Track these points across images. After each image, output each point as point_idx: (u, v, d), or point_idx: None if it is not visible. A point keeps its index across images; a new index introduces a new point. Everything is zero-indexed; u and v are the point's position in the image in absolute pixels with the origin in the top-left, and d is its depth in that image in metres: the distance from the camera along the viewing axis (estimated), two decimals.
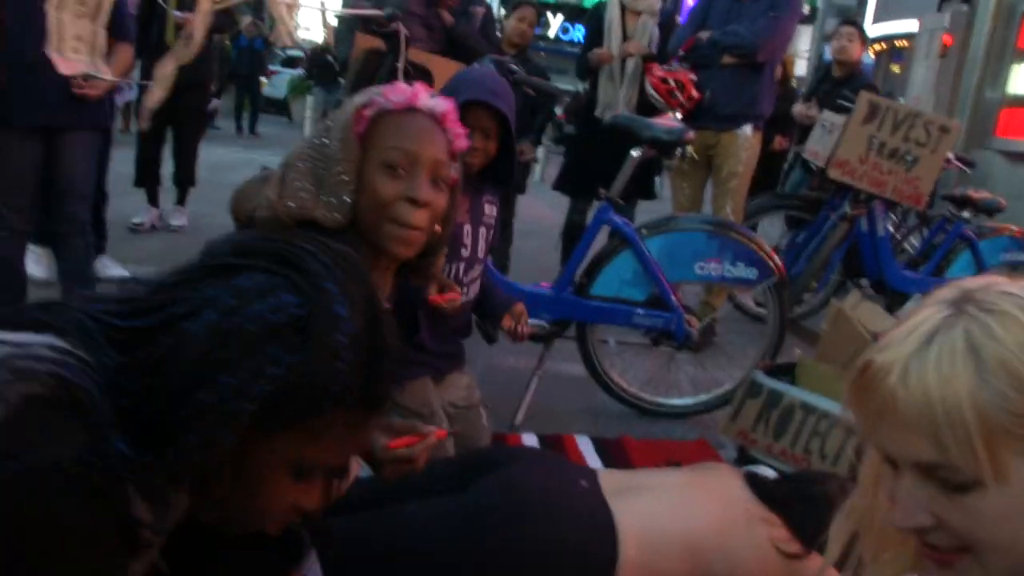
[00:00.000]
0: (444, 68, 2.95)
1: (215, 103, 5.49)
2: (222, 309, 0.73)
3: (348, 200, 1.37)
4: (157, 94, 2.20)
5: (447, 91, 2.04)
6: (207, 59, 4.88)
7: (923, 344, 0.71)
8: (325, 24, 2.57)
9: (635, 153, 2.72)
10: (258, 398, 0.71)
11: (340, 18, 3.73)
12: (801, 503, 1.86)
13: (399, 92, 1.41)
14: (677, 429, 2.93)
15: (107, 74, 2.83)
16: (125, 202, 4.87)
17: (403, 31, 2.67)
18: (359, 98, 1.41)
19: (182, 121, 4.90)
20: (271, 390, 0.71)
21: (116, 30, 2.93)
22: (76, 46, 2.54)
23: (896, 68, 14.08)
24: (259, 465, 0.76)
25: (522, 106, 4.50)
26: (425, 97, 1.42)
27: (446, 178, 1.44)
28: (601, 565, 1.76)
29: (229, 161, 9.18)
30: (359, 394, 0.76)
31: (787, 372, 2.75)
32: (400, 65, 2.71)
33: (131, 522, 0.69)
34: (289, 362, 0.72)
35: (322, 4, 2.56)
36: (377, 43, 2.86)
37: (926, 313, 0.75)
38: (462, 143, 1.47)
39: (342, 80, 4.46)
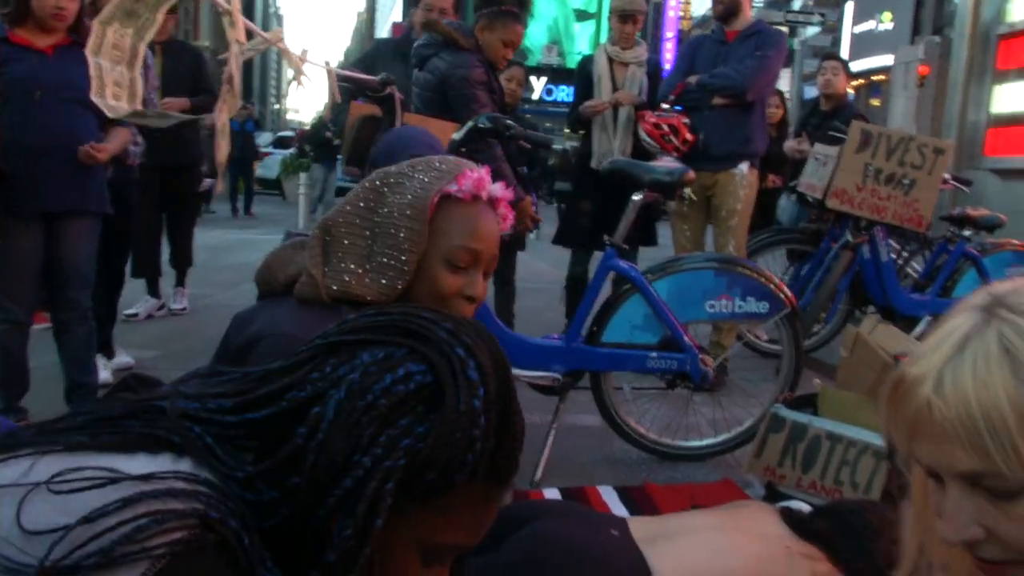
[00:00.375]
0: (441, 130, 2.98)
1: (207, 183, 5.46)
2: (349, 387, 0.68)
3: (400, 287, 1.33)
4: (223, 147, 2.22)
5: (380, 154, 2.08)
6: (195, 140, 4.90)
7: (956, 352, 0.70)
8: (331, 91, 2.59)
9: (637, 197, 2.72)
10: (398, 474, 0.66)
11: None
12: (841, 535, 1.81)
13: (468, 179, 1.35)
14: (700, 472, 2.87)
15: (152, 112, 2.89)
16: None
17: (398, 95, 2.70)
18: (428, 178, 1.34)
19: (176, 204, 4.91)
20: (406, 463, 0.66)
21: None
22: (117, 92, 2.58)
23: (875, 102, 14.32)
24: (393, 551, 0.70)
25: (517, 155, 4.58)
26: (489, 184, 1.38)
27: (493, 268, 1.43)
28: None
29: (226, 242, 9.25)
30: (490, 465, 0.71)
31: (809, 403, 2.70)
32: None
33: None
34: (422, 432, 0.67)
35: (327, 63, 2.59)
36: (372, 109, 2.89)
37: (957, 321, 0.73)
38: (506, 226, 1.45)
39: (340, 157, 4.53)
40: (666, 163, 2.80)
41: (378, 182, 1.37)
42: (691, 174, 2.69)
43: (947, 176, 4.18)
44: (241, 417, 0.71)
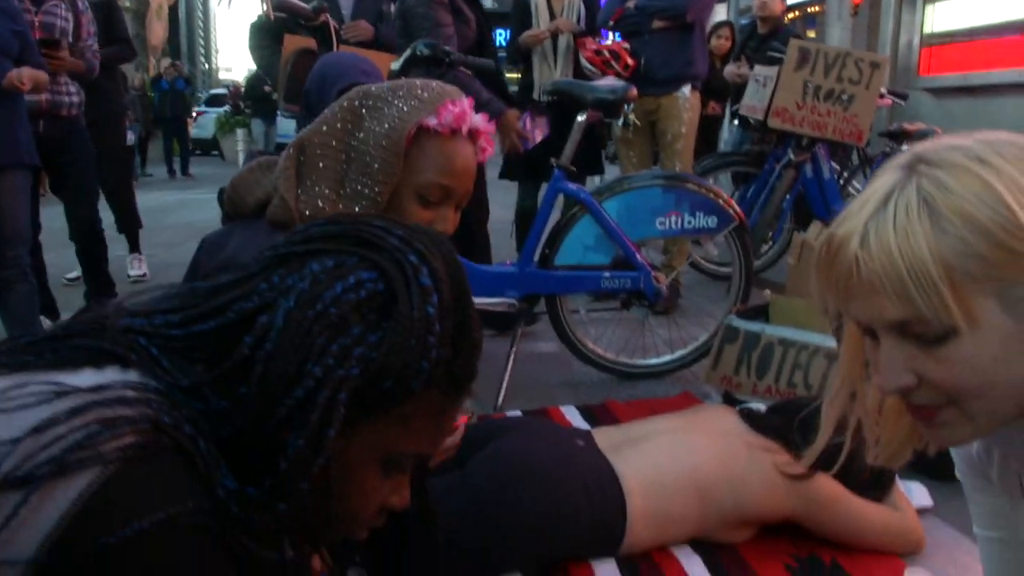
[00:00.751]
0: (378, 61, 2.91)
1: (130, 135, 5.16)
2: (299, 296, 0.67)
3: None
4: (158, 30, 2.19)
5: (312, 85, 2.03)
6: (116, 92, 4.66)
7: (879, 208, 0.72)
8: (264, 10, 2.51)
9: (581, 118, 2.71)
10: (351, 383, 0.65)
11: (256, 27, 3.66)
12: (798, 427, 1.86)
13: (448, 112, 1.30)
14: (659, 388, 2.92)
15: None
16: (60, 257, 4.66)
17: (332, 23, 2.62)
18: (407, 107, 1.29)
19: (106, 161, 4.52)
20: (360, 372, 0.66)
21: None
22: None
23: (811, 33, 14.40)
24: (352, 461, 0.69)
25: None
26: (471, 117, 1.33)
27: (466, 202, 1.40)
28: (611, 518, 1.75)
29: (165, 204, 9.02)
30: (446, 373, 0.70)
31: (761, 314, 2.76)
32: None
33: (251, 568, 0.64)
34: (376, 341, 0.66)
35: None
36: (307, 42, 2.81)
37: (881, 180, 0.75)
38: (485, 156, 1.41)
39: (280, 112, 4.35)
40: (608, 82, 2.79)
41: (357, 102, 1.32)
42: (634, 91, 2.68)
43: (884, 91, 4.24)
44: (187, 330, 0.70)
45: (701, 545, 1.84)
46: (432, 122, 1.29)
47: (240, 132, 11.52)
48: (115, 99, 4.63)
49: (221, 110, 17.04)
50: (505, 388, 2.65)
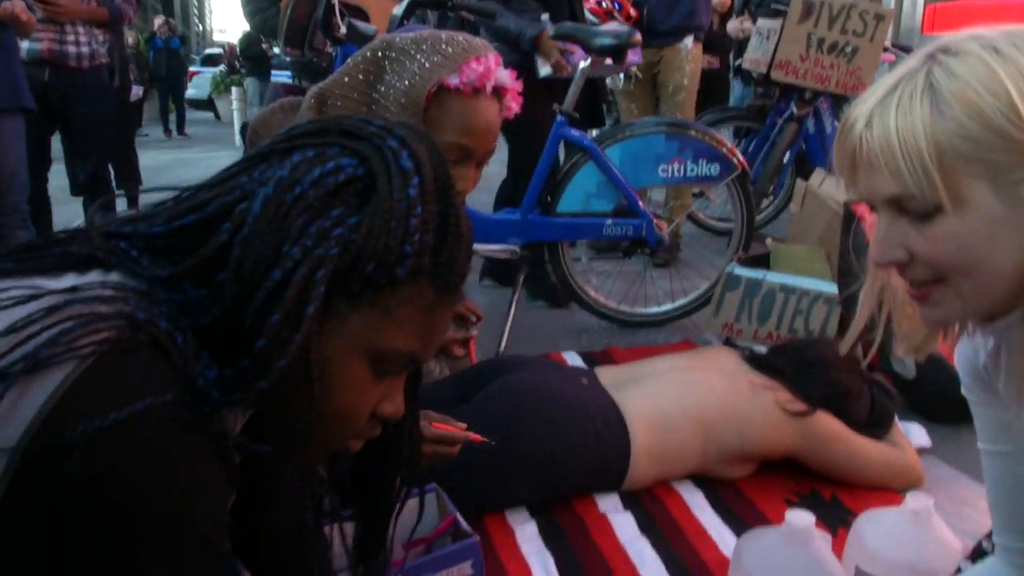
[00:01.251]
0: (379, 6, 2.88)
1: (136, 91, 5.05)
2: (278, 182, 0.66)
3: None
4: None
5: None
6: (119, 46, 4.56)
7: (889, 92, 0.76)
8: None
9: (585, 63, 2.68)
10: (330, 263, 0.65)
11: None
12: (797, 367, 1.88)
13: (471, 70, 1.26)
14: (660, 336, 2.93)
15: None
16: (66, 212, 4.60)
17: None
18: (429, 64, 1.24)
19: None
20: (340, 252, 0.65)
21: None
22: None
23: None
24: (338, 352, 0.68)
25: None
26: (496, 75, 1.29)
27: (488, 159, 1.37)
28: (616, 453, 1.76)
29: (162, 163, 8.95)
30: (432, 262, 0.69)
31: (762, 262, 2.76)
32: (335, 3, 2.63)
33: (229, 458, 0.64)
34: (355, 223, 0.66)
35: None
36: None
37: (901, 67, 0.78)
38: (511, 113, 1.36)
39: (274, 72, 4.28)
40: (612, 27, 2.75)
41: (380, 53, 1.28)
42: (638, 36, 2.65)
43: (888, 44, 4.20)
44: (169, 226, 0.69)
45: (703, 481, 1.86)
46: (454, 81, 1.25)
47: (235, 91, 11.40)
48: (117, 52, 4.55)
49: (216, 70, 16.87)
50: (507, 336, 2.66)
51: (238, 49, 12.58)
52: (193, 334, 0.65)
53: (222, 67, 16.73)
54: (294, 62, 3.09)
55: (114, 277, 0.66)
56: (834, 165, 0.82)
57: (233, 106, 11.10)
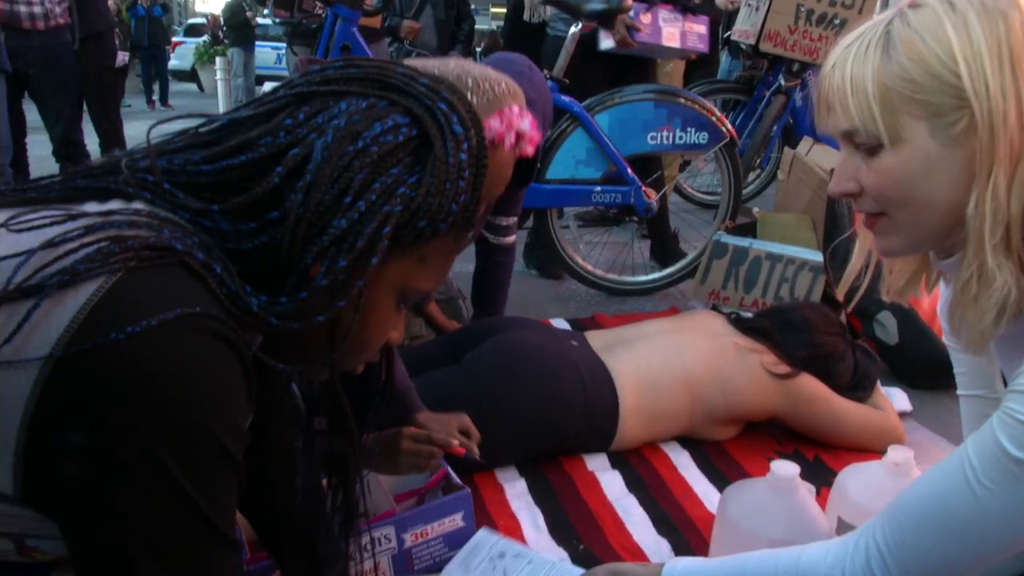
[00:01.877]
0: None
1: (122, 56, 4.88)
2: (336, 131, 0.69)
3: None
4: None
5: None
6: (104, 5, 4.37)
7: (856, 38, 0.84)
8: None
9: (575, 29, 2.68)
10: (395, 219, 0.69)
11: None
12: (783, 329, 1.91)
13: (492, 128, 1.21)
14: (648, 304, 2.96)
15: None
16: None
17: None
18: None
19: (89, 81, 4.30)
20: (403, 209, 0.69)
21: None
22: None
23: None
24: (377, 291, 0.74)
25: (445, 18, 4.45)
26: (518, 124, 1.26)
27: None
28: (604, 412, 1.79)
29: (168, 132, 8.83)
30: (463, 217, 0.75)
31: (749, 231, 2.79)
32: None
33: (251, 376, 0.66)
34: (415, 182, 0.70)
35: None
36: None
37: (874, 18, 0.85)
38: (528, 153, 1.33)
39: (259, 43, 4.24)
40: None
41: None
42: (629, 2, 2.65)
43: (876, 16, 4.21)
44: (215, 165, 0.71)
45: (689, 442, 1.90)
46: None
47: (219, 62, 11.27)
48: (100, 12, 4.33)
49: (200, 40, 16.65)
50: None
51: (222, 19, 12.46)
52: (227, 264, 0.68)
53: (205, 37, 16.51)
54: (283, 23, 3.06)
55: (139, 205, 0.68)
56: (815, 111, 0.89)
57: (217, 76, 10.98)
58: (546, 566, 1.43)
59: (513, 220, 2.19)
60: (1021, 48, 0.77)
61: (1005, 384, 0.94)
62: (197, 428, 0.60)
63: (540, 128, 1.85)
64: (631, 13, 2.87)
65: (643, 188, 2.73)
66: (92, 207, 0.67)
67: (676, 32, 2.96)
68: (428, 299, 2.02)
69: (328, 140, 0.69)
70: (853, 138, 0.84)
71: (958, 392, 1.06)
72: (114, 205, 0.68)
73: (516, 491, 1.69)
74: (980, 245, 0.79)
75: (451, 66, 1.25)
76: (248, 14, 10.64)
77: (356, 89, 0.73)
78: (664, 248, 3.25)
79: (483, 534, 1.48)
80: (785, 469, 1.22)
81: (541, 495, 1.68)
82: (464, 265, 2.19)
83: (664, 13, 2.95)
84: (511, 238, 2.22)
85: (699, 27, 3.03)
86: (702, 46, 3.06)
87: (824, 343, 1.89)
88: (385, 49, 3.70)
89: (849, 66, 0.82)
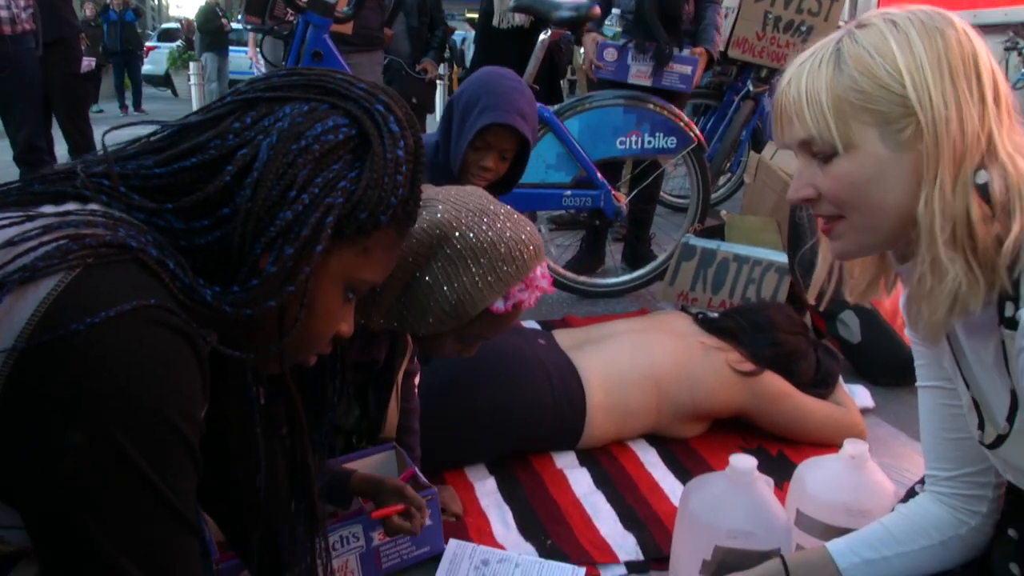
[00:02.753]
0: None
1: (88, 62, 4.78)
2: (281, 134, 0.74)
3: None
4: None
5: (467, 96, 1.85)
6: (68, 10, 4.30)
7: (809, 56, 0.89)
8: None
9: (544, 36, 2.71)
10: (336, 210, 0.74)
11: None
12: (748, 329, 1.95)
13: (517, 296, 1.20)
14: (618, 306, 2.99)
15: None
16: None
17: None
18: (483, 284, 1.18)
19: (55, 88, 4.23)
20: (344, 201, 0.74)
21: None
22: None
23: None
24: (322, 282, 0.77)
25: (418, 25, 4.47)
26: (540, 290, 1.25)
27: None
28: (572, 410, 1.82)
29: (120, 140, 8.77)
30: (404, 210, 0.80)
31: (717, 234, 2.84)
32: None
33: (205, 368, 0.69)
34: (355, 176, 0.75)
35: None
36: None
37: (825, 38, 0.91)
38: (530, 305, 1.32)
39: (232, 48, 4.20)
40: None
41: (435, 241, 1.17)
42: (596, 9, 2.69)
43: (842, 23, 4.29)
44: (170, 168, 0.75)
45: (656, 439, 1.93)
46: (500, 307, 1.21)
47: (193, 67, 11.21)
48: (66, 20, 4.29)
49: (173, 45, 16.56)
50: None
51: (195, 23, 12.39)
52: (181, 260, 0.71)
53: (179, 42, 16.44)
54: (255, 30, 3.06)
55: (94, 207, 0.71)
56: (773, 123, 0.94)
57: (191, 82, 10.92)
58: (535, 566, 1.46)
59: None
60: (958, 61, 0.84)
61: (965, 381, 0.98)
62: (153, 413, 0.62)
63: (532, 135, 1.91)
64: (596, 48, 2.92)
65: (612, 192, 2.77)
66: (49, 209, 0.70)
67: (647, 70, 2.93)
68: None
69: (273, 140, 0.74)
70: (810, 146, 0.88)
71: (917, 384, 1.11)
72: (70, 207, 0.71)
73: (485, 489, 1.71)
74: (932, 241, 0.84)
75: (484, 226, 1.19)
76: (223, 20, 10.60)
77: (299, 95, 0.78)
78: (636, 251, 3.30)
79: (455, 545, 1.50)
80: (743, 462, 1.26)
81: (510, 493, 1.70)
82: None
83: (635, 53, 2.94)
84: None
85: (683, 68, 2.96)
86: (683, 86, 2.97)
87: (787, 342, 1.93)
88: (379, 59, 3.71)
89: (804, 80, 0.87)
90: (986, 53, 0.86)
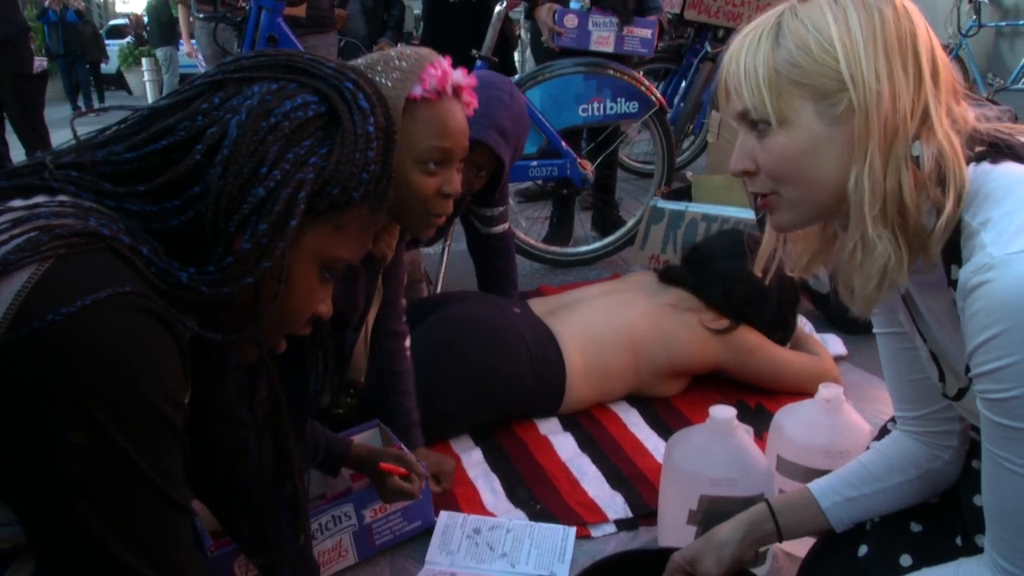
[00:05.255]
0: None
1: (39, 62, 4.64)
2: (250, 111, 0.74)
3: None
4: None
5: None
6: (13, 8, 4.19)
7: (751, 30, 0.90)
8: None
9: (500, 7, 2.71)
10: (307, 185, 0.74)
11: None
12: (710, 280, 1.97)
13: (431, 76, 1.27)
14: (591, 273, 3.01)
15: None
16: None
17: None
18: (391, 82, 1.25)
19: (5, 90, 4.20)
20: (315, 176, 0.74)
21: None
22: None
23: None
24: (296, 260, 0.77)
25: (373, 4, 4.43)
26: (452, 76, 1.30)
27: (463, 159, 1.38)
28: (552, 374, 1.84)
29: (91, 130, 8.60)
30: (376, 188, 0.80)
31: (684, 196, 2.86)
32: None
33: (185, 351, 0.69)
34: (326, 152, 0.75)
35: None
36: None
37: (767, 13, 0.91)
38: (471, 110, 1.37)
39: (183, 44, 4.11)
40: None
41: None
42: None
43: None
44: (140, 152, 0.74)
45: (637, 400, 1.96)
46: (418, 91, 1.27)
47: (146, 62, 11.01)
48: (9, 20, 4.16)
49: (123, 42, 16.20)
50: (442, 282, 2.70)
51: (146, 18, 12.12)
52: (154, 244, 0.71)
53: (129, 38, 16.09)
54: (207, 19, 3.02)
55: (64, 198, 0.71)
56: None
57: (145, 78, 10.74)
58: (526, 529, 1.49)
59: (499, 209, 2.25)
60: (894, 38, 0.84)
61: (921, 335, 1.00)
62: (135, 396, 0.63)
63: (511, 153, 1.88)
64: (555, 17, 2.88)
65: (578, 160, 2.78)
66: (17, 203, 0.70)
67: (610, 36, 2.93)
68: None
69: (243, 118, 0.73)
70: (747, 117, 0.89)
71: (875, 330, 1.13)
72: (39, 199, 0.70)
73: (472, 460, 1.73)
74: (861, 217, 0.85)
75: (374, 55, 1.32)
76: (174, 11, 10.42)
77: (267, 74, 0.78)
78: (605, 218, 3.32)
79: (446, 516, 1.52)
80: (722, 413, 1.28)
81: (496, 462, 1.72)
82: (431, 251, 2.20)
83: (596, 17, 2.94)
84: (501, 227, 2.28)
85: (642, 31, 2.98)
86: (644, 50, 3.01)
87: (737, 290, 1.94)
88: (333, 41, 3.67)
89: (743, 54, 0.88)
90: (926, 30, 0.86)
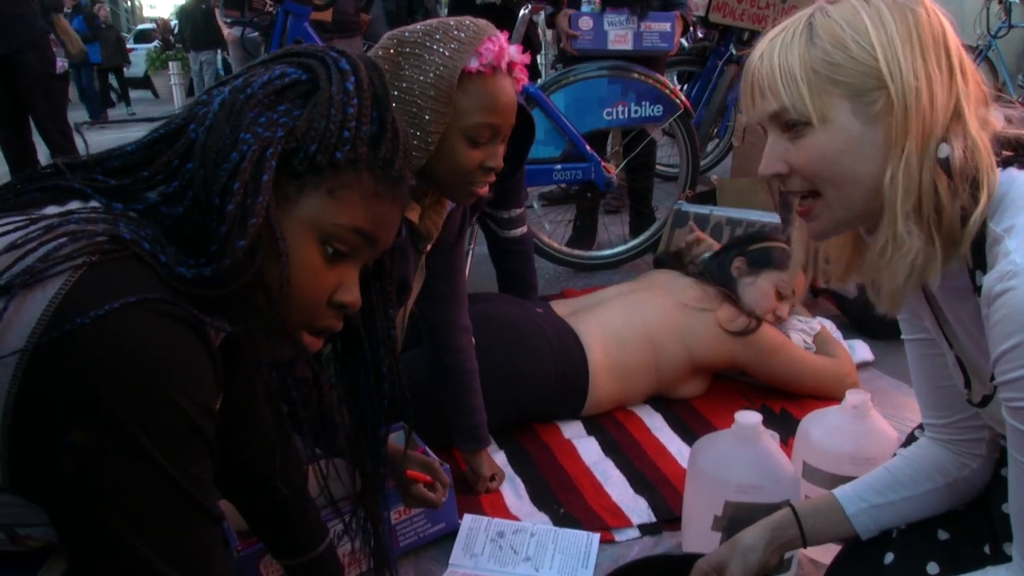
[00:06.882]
0: None
1: (61, 63, 4.65)
2: (233, 87, 0.75)
3: (422, 163, 1.29)
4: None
5: None
6: (32, 14, 4.18)
7: (780, 30, 0.90)
8: None
9: (525, 11, 2.71)
10: (277, 143, 0.72)
11: None
12: (731, 276, 1.97)
13: (488, 51, 1.27)
14: (615, 277, 3.01)
15: None
16: None
17: None
18: (448, 52, 1.25)
19: (30, 94, 4.16)
20: (285, 135, 0.73)
21: None
22: None
23: None
24: (292, 233, 0.74)
25: (396, 9, 4.45)
26: (508, 52, 1.30)
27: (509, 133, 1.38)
28: (575, 372, 1.85)
29: (101, 144, 8.72)
30: (371, 155, 0.77)
31: (708, 199, 2.85)
32: None
33: (215, 357, 0.69)
34: (300, 113, 0.75)
35: None
36: None
37: (796, 14, 0.91)
38: (520, 86, 1.37)
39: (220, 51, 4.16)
40: None
41: (392, 50, 1.28)
42: None
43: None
44: (139, 143, 0.77)
45: (660, 404, 1.96)
46: (474, 64, 1.26)
47: (173, 66, 11.12)
48: (32, 23, 4.16)
49: (151, 46, 16.41)
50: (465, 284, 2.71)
51: (173, 22, 12.17)
52: (171, 242, 0.71)
53: (156, 43, 16.30)
54: (235, 23, 3.06)
55: (95, 203, 0.73)
56: (742, 100, 0.94)
57: (172, 82, 10.84)
58: (550, 534, 1.49)
59: (516, 212, 2.25)
60: (928, 38, 0.85)
61: (948, 341, 1.00)
62: (164, 402, 0.63)
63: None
64: (569, 21, 2.87)
65: (603, 163, 2.78)
66: (52, 209, 0.71)
67: (627, 34, 2.90)
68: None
69: (226, 95, 0.75)
70: (782, 118, 0.88)
71: (903, 336, 1.12)
72: (73, 205, 0.72)
73: (496, 463, 1.73)
74: (893, 214, 0.86)
75: (432, 22, 1.32)
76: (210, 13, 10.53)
77: (260, 64, 0.80)
78: (639, 227, 3.27)
79: (470, 519, 1.53)
80: (748, 418, 1.28)
81: (520, 465, 1.73)
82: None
83: (611, 16, 2.91)
84: (519, 230, 2.28)
85: (661, 26, 2.94)
86: (665, 44, 2.96)
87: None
88: (359, 45, 3.69)
89: (776, 54, 0.87)
90: (952, 30, 0.87)
